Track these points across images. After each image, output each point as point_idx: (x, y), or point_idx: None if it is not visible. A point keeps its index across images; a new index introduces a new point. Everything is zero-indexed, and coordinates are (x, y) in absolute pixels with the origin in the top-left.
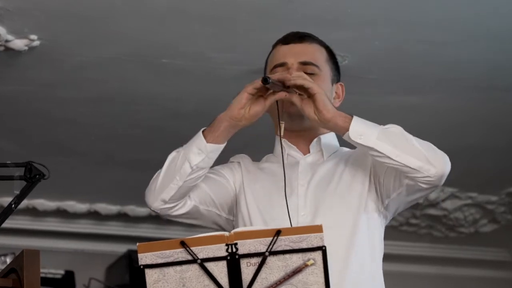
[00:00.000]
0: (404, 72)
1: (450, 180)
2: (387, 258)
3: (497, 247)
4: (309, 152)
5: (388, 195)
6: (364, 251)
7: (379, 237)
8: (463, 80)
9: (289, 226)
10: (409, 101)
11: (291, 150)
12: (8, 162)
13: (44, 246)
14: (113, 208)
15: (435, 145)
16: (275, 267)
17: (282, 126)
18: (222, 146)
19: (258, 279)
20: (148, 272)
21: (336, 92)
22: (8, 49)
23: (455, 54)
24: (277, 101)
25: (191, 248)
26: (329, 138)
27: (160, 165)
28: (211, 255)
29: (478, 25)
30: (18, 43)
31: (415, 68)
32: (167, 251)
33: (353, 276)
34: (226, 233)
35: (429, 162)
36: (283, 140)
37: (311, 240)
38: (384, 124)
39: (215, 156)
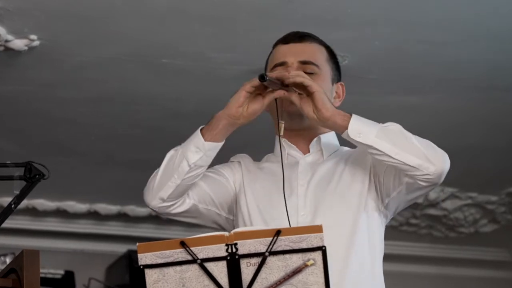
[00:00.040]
0: (404, 72)
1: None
2: (387, 258)
3: (497, 247)
4: (309, 151)
5: (388, 194)
6: (364, 250)
7: (379, 236)
8: (463, 80)
9: (289, 226)
10: (409, 101)
11: (291, 150)
12: (8, 162)
13: (44, 246)
14: (113, 208)
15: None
16: (275, 267)
17: (282, 125)
18: (220, 144)
19: (258, 279)
20: (148, 272)
21: (336, 92)
22: (8, 49)
23: (455, 54)
24: (276, 100)
25: (191, 248)
26: (329, 138)
27: (160, 165)
28: (211, 255)
29: (478, 25)
30: (18, 43)
31: (415, 68)
32: (167, 251)
33: (353, 275)
34: (226, 233)
35: (428, 160)
36: (283, 139)
37: (311, 240)
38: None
39: (213, 154)
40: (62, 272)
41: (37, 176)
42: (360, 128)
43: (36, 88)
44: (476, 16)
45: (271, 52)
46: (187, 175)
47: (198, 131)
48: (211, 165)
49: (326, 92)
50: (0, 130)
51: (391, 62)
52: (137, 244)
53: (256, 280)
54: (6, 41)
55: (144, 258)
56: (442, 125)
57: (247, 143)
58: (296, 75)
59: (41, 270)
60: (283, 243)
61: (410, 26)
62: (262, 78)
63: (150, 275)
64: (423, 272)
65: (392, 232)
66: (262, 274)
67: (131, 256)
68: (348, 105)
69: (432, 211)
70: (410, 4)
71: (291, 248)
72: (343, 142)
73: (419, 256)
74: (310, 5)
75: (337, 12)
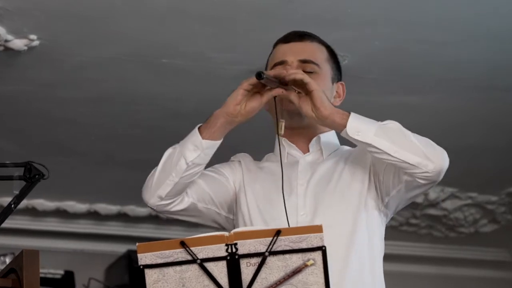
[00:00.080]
0: (404, 72)
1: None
2: (387, 258)
3: (497, 247)
4: (308, 151)
5: (388, 192)
6: (364, 250)
7: (379, 235)
8: (463, 80)
9: (289, 226)
10: (409, 101)
11: (291, 149)
12: (7, 162)
13: (43, 246)
14: (113, 208)
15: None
16: (275, 267)
17: (283, 124)
18: (218, 143)
19: (258, 279)
20: (148, 272)
21: (337, 91)
22: (7, 49)
23: (455, 54)
24: (275, 99)
25: (191, 248)
26: (329, 137)
27: None
28: (211, 255)
29: (478, 25)
30: (18, 43)
31: (415, 68)
32: (167, 251)
33: (353, 275)
34: (226, 233)
35: (427, 157)
36: (283, 139)
37: (311, 240)
38: None
39: (211, 152)
40: (62, 272)
41: (36, 176)
42: (359, 126)
43: (36, 88)
44: (476, 16)
45: (271, 52)
46: (185, 173)
47: (196, 129)
48: (211, 163)
49: (326, 91)
50: (0, 130)
51: (391, 62)
52: (137, 244)
53: (256, 280)
54: (6, 41)
55: (144, 258)
56: (442, 125)
57: (248, 143)
58: (296, 72)
59: (40, 270)
60: (283, 243)
61: (410, 26)
62: (259, 75)
63: (150, 275)
64: (423, 272)
65: (392, 232)
66: (262, 274)
67: (131, 256)
68: (348, 105)
69: (432, 211)
70: (410, 4)
71: (291, 248)
72: (344, 141)
73: (419, 256)
74: (310, 5)
75: (337, 12)
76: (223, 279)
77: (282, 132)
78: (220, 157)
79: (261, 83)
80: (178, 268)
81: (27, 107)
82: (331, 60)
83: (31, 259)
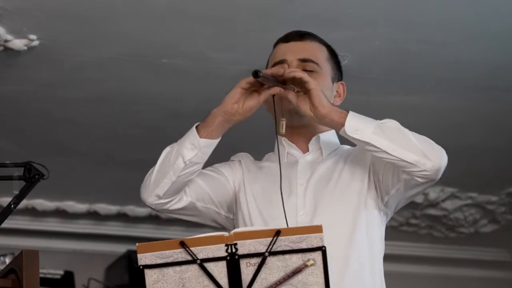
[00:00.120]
0: (404, 72)
1: (450, 180)
2: (387, 258)
3: (497, 247)
4: (308, 150)
5: (387, 191)
6: (364, 249)
7: (379, 235)
8: (463, 80)
9: (289, 226)
10: (409, 101)
11: (291, 149)
12: (7, 162)
13: (43, 246)
14: (112, 208)
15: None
16: (275, 268)
17: (284, 123)
18: (216, 141)
19: (258, 279)
20: (148, 273)
21: (337, 91)
22: (7, 49)
23: (455, 54)
24: (273, 97)
25: (191, 248)
26: (329, 136)
27: None
28: (210, 256)
29: (478, 25)
30: (17, 43)
31: (415, 68)
32: (167, 252)
33: (353, 274)
34: (226, 234)
35: (425, 156)
36: (283, 139)
37: (311, 240)
38: None
39: (208, 151)
40: (61, 272)
41: (36, 176)
42: (357, 125)
43: (36, 88)
44: (476, 16)
45: (272, 51)
46: (183, 172)
47: (194, 128)
48: (210, 163)
49: (326, 90)
50: (0, 130)
51: (391, 62)
52: (137, 244)
53: (256, 280)
54: (6, 41)
55: (143, 258)
56: (442, 125)
57: (248, 142)
58: (295, 71)
59: (40, 270)
60: (283, 243)
61: (410, 26)
62: (255, 74)
63: (150, 276)
64: (423, 272)
65: (392, 232)
66: (262, 274)
67: (131, 256)
68: (348, 105)
69: (432, 211)
70: (410, 4)
71: (291, 249)
72: (344, 140)
73: (419, 256)
74: (310, 5)
75: (337, 12)
76: (223, 279)
77: (283, 131)
78: (219, 157)
79: (260, 82)
80: (178, 268)
81: (27, 107)
82: (331, 60)
83: (30, 259)
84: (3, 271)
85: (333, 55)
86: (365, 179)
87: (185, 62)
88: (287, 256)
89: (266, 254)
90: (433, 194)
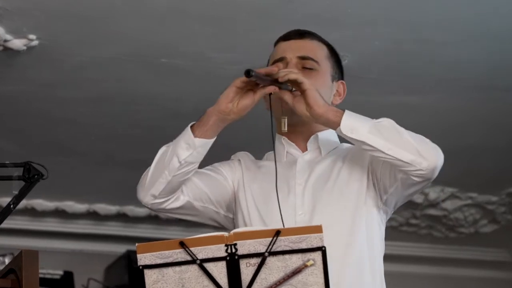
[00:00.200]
0: (404, 72)
1: (450, 180)
2: (387, 258)
3: (497, 248)
4: (307, 149)
5: (386, 190)
6: (363, 249)
7: (379, 235)
8: (463, 80)
9: (288, 226)
10: (409, 101)
11: (290, 148)
12: (7, 162)
13: (42, 247)
14: (112, 208)
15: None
16: (275, 268)
17: (285, 120)
18: (211, 141)
19: (258, 279)
20: (147, 273)
21: (337, 90)
22: (7, 49)
23: (455, 54)
24: (270, 96)
25: (191, 248)
26: (328, 135)
27: None
28: (210, 256)
29: (478, 25)
30: (17, 43)
31: (415, 68)
32: (166, 252)
33: (352, 275)
34: (226, 234)
35: (420, 155)
36: (283, 138)
37: (311, 240)
38: None
39: (204, 151)
40: (61, 272)
41: (36, 176)
42: (353, 124)
43: (36, 88)
44: (476, 16)
45: (273, 50)
46: (178, 171)
47: (188, 127)
48: (210, 163)
49: (325, 88)
50: (0, 130)
51: (391, 62)
52: (137, 244)
53: (255, 281)
54: (5, 40)
55: (143, 259)
56: (442, 125)
57: (246, 142)
58: (290, 72)
59: (40, 271)
60: (282, 243)
61: (410, 26)
62: (247, 73)
63: (150, 276)
64: (423, 273)
65: (392, 232)
66: (261, 274)
67: (130, 257)
68: (348, 105)
69: (432, 211)
70: (410, 4)
71: (290, 249)
72: (344, 139)
73: (419, 256)
74: (310, 5)
75: (337, 12)
76: (223, 280)
77: (285, 129)
78: (219, 157)
79: (255, 81)
80: (177, 268)
81: (27, 107)
82: (331, 58)
83: (30, 260)
84: (3, 271)
85: (333, 54)
86: (363, 178)
87: (185, 62)
88: (287, 256)
89: (266, 254)
90: (433, 194)
